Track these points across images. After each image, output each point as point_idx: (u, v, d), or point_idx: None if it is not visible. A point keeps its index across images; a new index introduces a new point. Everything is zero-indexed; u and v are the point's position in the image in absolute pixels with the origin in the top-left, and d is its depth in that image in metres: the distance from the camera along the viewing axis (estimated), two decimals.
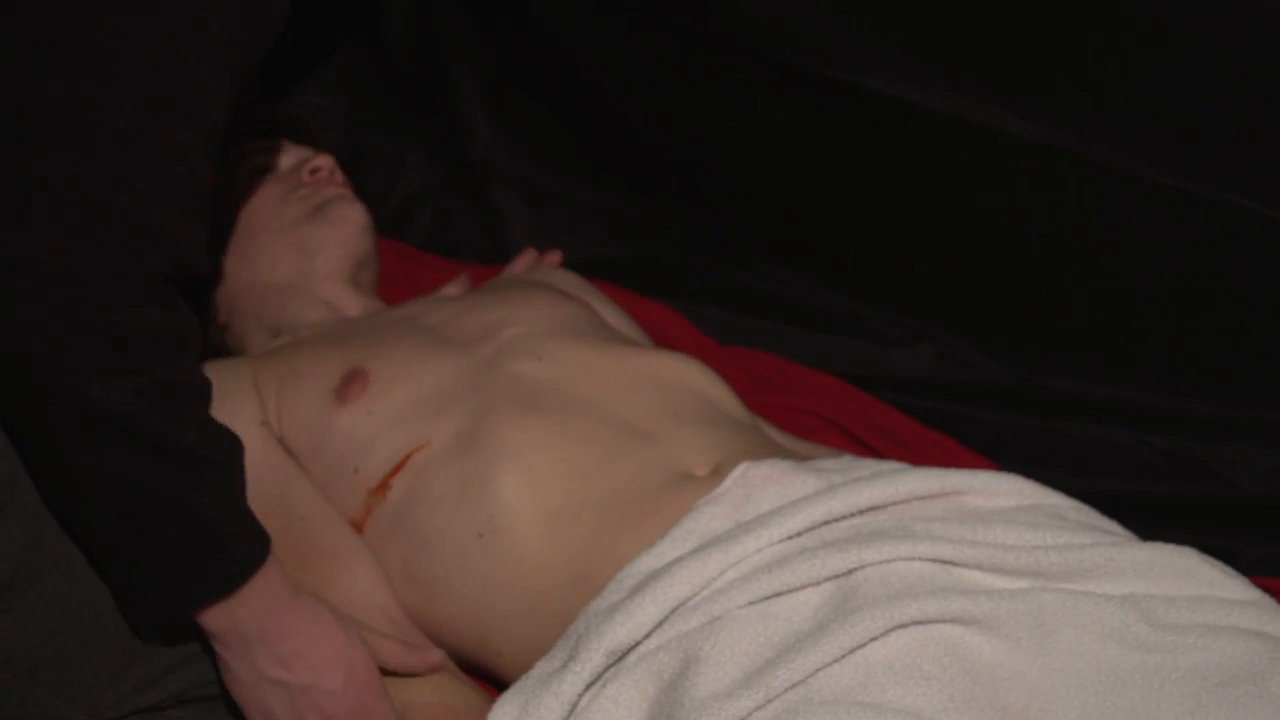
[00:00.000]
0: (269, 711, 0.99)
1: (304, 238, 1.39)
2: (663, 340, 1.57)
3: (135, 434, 0.88)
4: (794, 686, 0.87)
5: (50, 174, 0.85)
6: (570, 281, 1.48)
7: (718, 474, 1.08)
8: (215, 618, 0.95)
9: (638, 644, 0.94)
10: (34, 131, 0.85)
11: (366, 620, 1.11)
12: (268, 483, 1.17)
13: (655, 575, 0.96)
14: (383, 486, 1.16)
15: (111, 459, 0.89)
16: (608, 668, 0.94)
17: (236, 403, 1.20)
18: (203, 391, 0.95)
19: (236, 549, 0.95)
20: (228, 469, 0.95)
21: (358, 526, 1.17)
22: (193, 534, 0.92)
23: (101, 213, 0.86)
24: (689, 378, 1.22)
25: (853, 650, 0.88)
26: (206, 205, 0.93)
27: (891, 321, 1.60)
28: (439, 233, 1.83)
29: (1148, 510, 1.38)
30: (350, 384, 1.20)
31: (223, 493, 0.94)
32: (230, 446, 0.96)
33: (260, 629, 0.96)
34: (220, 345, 1.42)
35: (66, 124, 0.86)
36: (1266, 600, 0.95)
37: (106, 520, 0.92)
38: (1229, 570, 0.97)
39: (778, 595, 0.94)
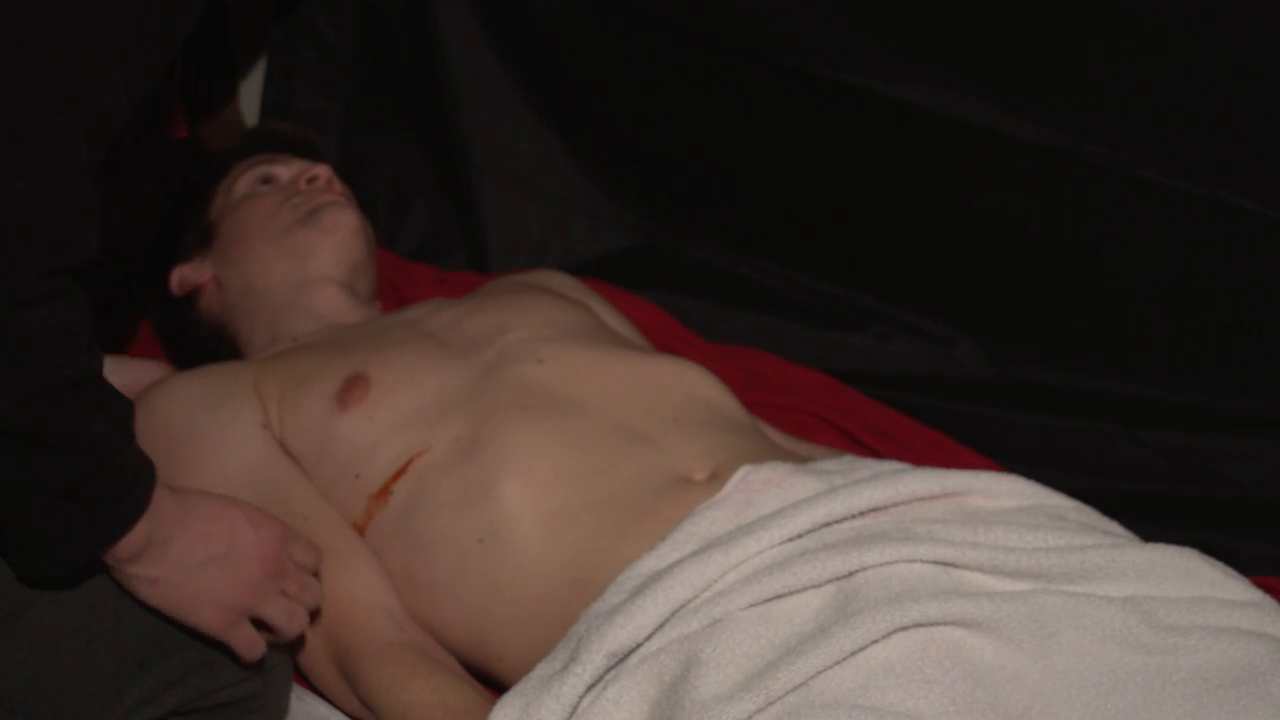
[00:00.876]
0: (214, 595, 0.98)
1: (296, 243, 1.39)
2: (654, 339, 1.57)
3: (36, 440, 0.86)
4: (795, 689, 0.87)
5: None
6: (568, 284, 1.48)
7: (716, 478, 1.08)
8: (132, 542, 0.92)
9: (639, 646, 0.94)
10: None
11: (370, 620, 1.11)
12: (269, 485, 1.17)
13: (656, 577, 0.96)
14: (384, 492, 1.16)
15: (14, 461, 0.86)
16: (609, 669, 0.94)
17: (237, 406, 1.20)
18: (96, 374, 0.91)
19: (140, 474, 0.92)
20: (121, 414, 0.92)
21: (359, 532, 1.17)
22: (104, 490, 0.90)
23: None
24: (689, 381, 1.22)
25: (854, 653, 0.88)
26: (93, 192, 0.87)
27: (890, 320, 1.60)
28: (435, 234, 1.83)
29: (1148, 509, 1.38)
30: (351, 389, 1.20)
31: (119, 434, 0.91)
32: (119, 400, 0.92)
33: (170, 528, 0.94)
34: (219, 349, 1.42)
35: None
36: (1268, 601, 0.95)
37: (12, 505, 0.89)
38: (1230, 571, 0.97)
39: (779, 597, 0.94)
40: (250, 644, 1.00)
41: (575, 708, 0.92)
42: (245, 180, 1.46)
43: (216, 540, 0.98)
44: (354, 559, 1.14)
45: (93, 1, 0.86)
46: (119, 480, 0.91)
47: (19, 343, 0.84)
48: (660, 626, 0.94)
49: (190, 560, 0.96)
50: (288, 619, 1.02)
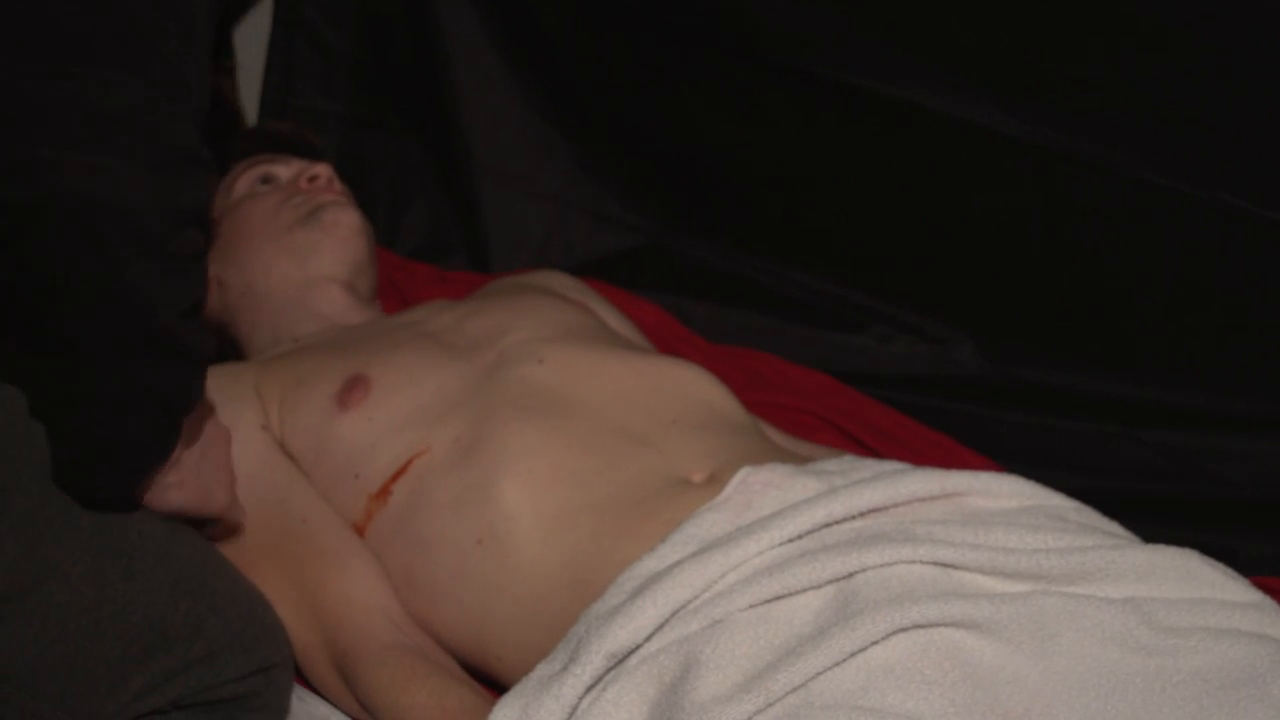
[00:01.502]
0: (215, 480, 1.06)
1: (296, 242, 1.39)
2: (655, 339, 1.57)
3: (178, 351, 0.91)
4: (794, 690, 0.87)
5: (114, 90, 0.84)
6: (569, 285, 1.48)
7: (715, 480, 1.08)
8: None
9: (638, 647, 0.94)
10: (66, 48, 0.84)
11: (368, 622, 1.11)
12: (268, 487, 1.17)
13: (656, 578, 0.96)
14: (383, 492, 1.16)
15: (147, 371, 0.91)
16: (608, 670, 0.94)
17: (238, 407, 1.20)
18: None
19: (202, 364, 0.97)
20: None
21: (359, 532, 1.17)
22: (195, 397, 0.97)
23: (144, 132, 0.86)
24: (689, 383, 1.22)
25: (853, 654, 0.88)
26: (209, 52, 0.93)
27: (891, 320, 1.60)
28: (435, 234, 1.83)
29: (1147, 509, 1.38)
30: (352, 390, 1.20)
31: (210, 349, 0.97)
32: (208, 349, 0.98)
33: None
34: (221, 349, 1.42)
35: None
36: (1268, 602, 0.95)
37: (119, 415, 0.93)
38: (1230, 572, 0.97)
39: (778, 598, 0.94)
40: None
41: (575, 708, 0.92)
42: (245, 180, 1.46)
43: (197, 435, 1.05)
44: (353, 561, 1.14)
45: None
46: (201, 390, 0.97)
47: (181, 260, 0.89)
48: (660, 627, 0.94)
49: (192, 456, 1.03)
50: None
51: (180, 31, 0.89)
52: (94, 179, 0.84)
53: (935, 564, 0.94)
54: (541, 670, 0.96)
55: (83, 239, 0.85)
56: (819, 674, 0.88)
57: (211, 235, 1.23)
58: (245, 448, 1.18)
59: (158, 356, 0.91)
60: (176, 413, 0.96)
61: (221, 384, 1.23)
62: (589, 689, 0.93)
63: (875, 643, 0.89)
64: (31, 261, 0.86)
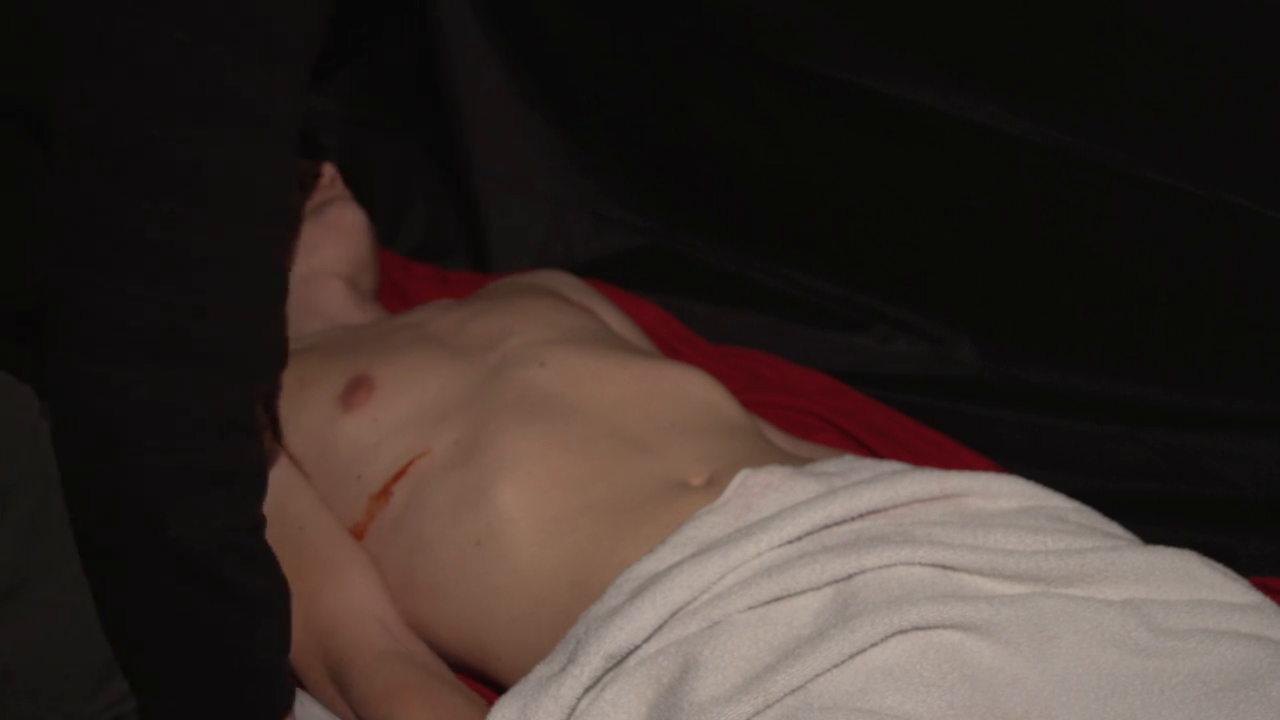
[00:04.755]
0: None
1: (300, 238, 1.39)
2: (656, 339, 1.57)
3: (209, 575, 0.91)
4: (793, 692, 0.87)
5: (136, 303, 0.85)
6: (572, 285, 1.48)
7: (714, 483, 1.08)
8: None
9: (637, 648, 0.94)
10: (120, 261, 0.85)
11: (361, 631, 1.11)
12: (268, 489, 1.17)
13: (655, 579, 0.96)
14: (384, 493, 1.16)
15: (180, 595, 0.91)
16: (606, 671, 0.94)
17: None
18: (263, 526, 0.97)
19: (277, 696, 0.98)
20: (282, 615, 0.99)
21: (360, 532, 1.17)
22: (243, 676, 0.95)
23: (191, 346, 0.87)
24: (689, 386, 1.22)
25: (852, 656, 0.88)
26: (284, 304, 0.94)
27: (891, 320, 1.60)
28: (435, 234, 1.83)
29: (1147, 508, 1.38)
30: (355, 391, 1.21)
31: (275, 640, 0.98)
32: (284, 592, 0.99)
33: None
34: None
35: (153, 253, 0.85)
36: (1267, 604, 0.95)
37: (161, 654, 0.94)
38: (1230, 573, 0.97)
39: (777, 600, 0.94)
40: None
41: (573, 709, 0.92)
42: None
43: None
44: (348, 569, 1.14)
45: (264, 118, 0.89)
46: (265, 662, 0.96)
47: (228, 474, 0.90)
48: (658, 628, 0.94)
49: None
50: None
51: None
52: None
53: (934, 566, 0.94)
54: (540, 671, 0.96)
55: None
56: (818, 676, 0.88)
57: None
58: None
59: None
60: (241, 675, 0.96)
61: None
62: (587, 690, 0.93)
63: (874, 644, 0.88)
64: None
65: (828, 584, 0.94)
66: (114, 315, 0.85)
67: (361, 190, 1.56)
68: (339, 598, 1.12)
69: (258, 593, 0.94)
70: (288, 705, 1.00)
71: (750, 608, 0.93)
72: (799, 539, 0.98)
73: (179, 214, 0.85)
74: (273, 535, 1.01)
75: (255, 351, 0.91)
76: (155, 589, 0.90)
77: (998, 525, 0.97)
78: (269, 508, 1.13)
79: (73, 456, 0.87)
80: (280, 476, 1.18)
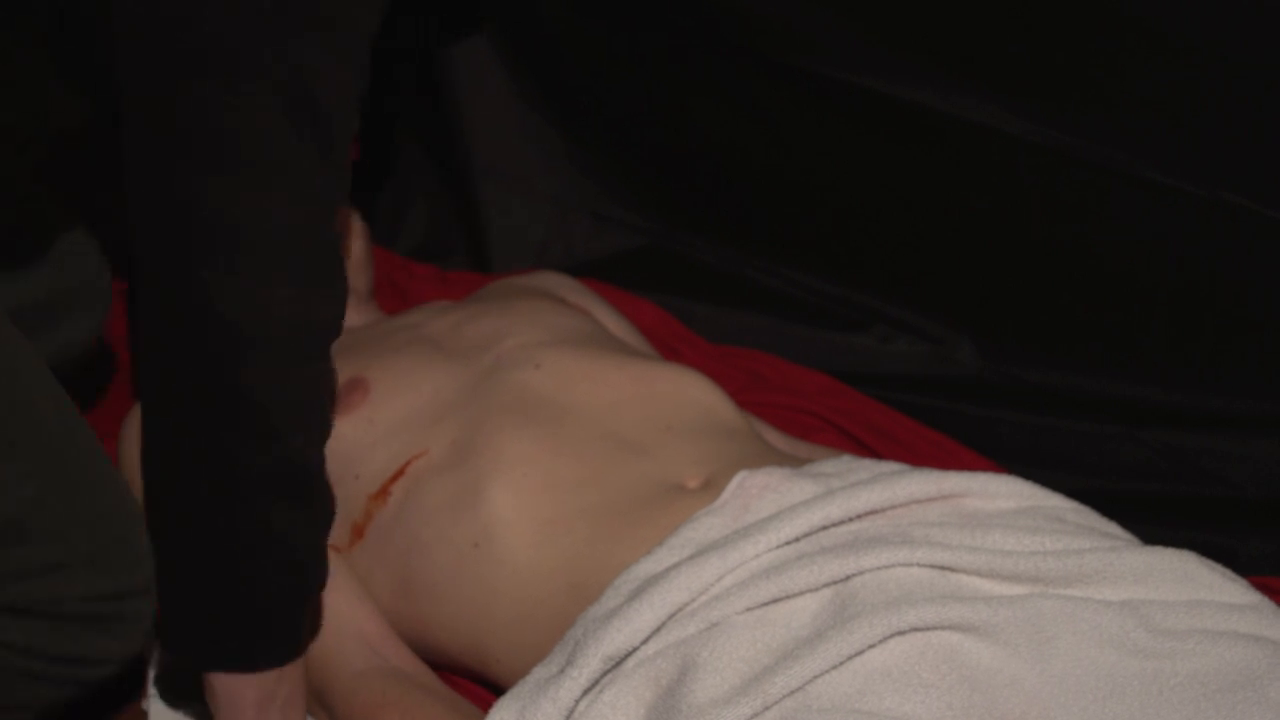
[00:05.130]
0: None
1: None
2: (655, 339, 1.57)
3: (311, 492, 0.96)
4: (792, 693, 0.87)
5: (281, 220, 0.90)
6: (569, 287, 1.48)
7: (710, 486, 1.08)
8: (267, 681, 0.99)
9: (635, 650, 0.94)
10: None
11: (339, 650, 1.11)
12: None
13: (653, 581, 0.96)
14: (383, 493, 1.16)
15: (277, 511, 0.94)
16: (605, 673, 0.94)
17: None
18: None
19: (302, 629, 1.01)
20: (327, 561, 1.03)
21: (359, 532, 1.17)
22: (294, 603, 0.99)
23: (327, 261, 0.93)
24: (685, 388, 1.22)
25: (851, 657, 0.88)
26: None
27: (891, 320, 1.60)
28: (435, 234, 1.83)
29: (1147, 508, 1.38)
30: (351, 393, 1.21)
31: (323, 574, 1.02)
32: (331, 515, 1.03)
33: (286, 697, 1.02)
34: None
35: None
36: (1266, 604, 0.95)
37: (227, 566, 0.96)
38: (1228, 573, 0.97)
39: (776, 601, 0.94)
40: None
41: (571, 711, 0.92)
42: None
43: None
44: (328, 588, 1.13)
45: None
46: (309, 596, 1.01)
47: (327, 395, 0.96)
48: (657, 630, 0.94)
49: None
50: None
51: None
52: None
53: (933, 566, 0.94)
54: (538, 673, 0.96)
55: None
56: (816, 677, 0.88)
57: None
58: None
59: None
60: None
61: None
62: (586, 691, 0.93)
63: (872, 646, 0.89)
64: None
65: (826, 585, 0.94)
66: (255, 230, 0.89)
67: (361, 191, 1.56)
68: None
69: (333, 512, 1.01)
70: (307, 640, 1.04)
71: (748, 609, 0.93)
72: (797, 540, 0.98)
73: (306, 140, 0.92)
74: None
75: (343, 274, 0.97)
76: (250, 504, 0.94)
77: (996, 526, 0.97)
78: None
79: (189, 369, 0.91)
80: None
